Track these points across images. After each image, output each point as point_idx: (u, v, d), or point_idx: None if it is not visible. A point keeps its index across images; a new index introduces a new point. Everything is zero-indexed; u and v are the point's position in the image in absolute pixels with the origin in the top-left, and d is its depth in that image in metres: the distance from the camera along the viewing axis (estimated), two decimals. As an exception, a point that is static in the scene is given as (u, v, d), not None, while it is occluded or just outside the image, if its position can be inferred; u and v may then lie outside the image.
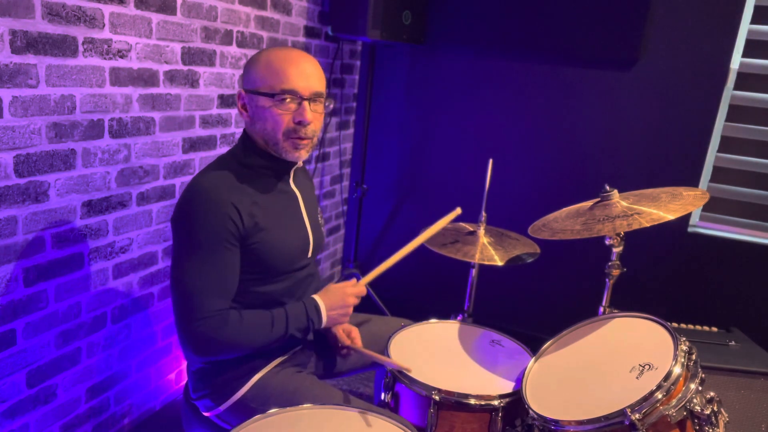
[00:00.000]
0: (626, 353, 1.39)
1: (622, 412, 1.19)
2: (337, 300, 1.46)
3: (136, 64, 1.81)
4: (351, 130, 3.27)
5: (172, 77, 1.95)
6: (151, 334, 2.11)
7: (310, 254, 1.52)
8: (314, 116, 1.38)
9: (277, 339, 1.38)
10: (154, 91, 1.89)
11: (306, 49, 2.67)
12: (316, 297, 1.46)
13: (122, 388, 2.02)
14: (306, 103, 1.36)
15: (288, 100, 1.35)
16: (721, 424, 1.24)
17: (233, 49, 2.21)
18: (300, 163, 1.52)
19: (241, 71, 2.27)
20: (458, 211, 1.68)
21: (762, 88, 2.52)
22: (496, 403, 1.44)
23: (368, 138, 3.07)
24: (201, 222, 1.30)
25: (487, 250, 1.88)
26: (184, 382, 2.32)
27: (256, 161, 1.42)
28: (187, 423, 1.55)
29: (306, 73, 1.36)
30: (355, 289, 1.50)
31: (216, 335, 1.31)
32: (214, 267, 1.31)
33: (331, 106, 1.48)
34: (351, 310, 1.49)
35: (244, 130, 1.46)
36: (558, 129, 2.82)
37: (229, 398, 1.43)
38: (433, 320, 1.82)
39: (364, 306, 1.67)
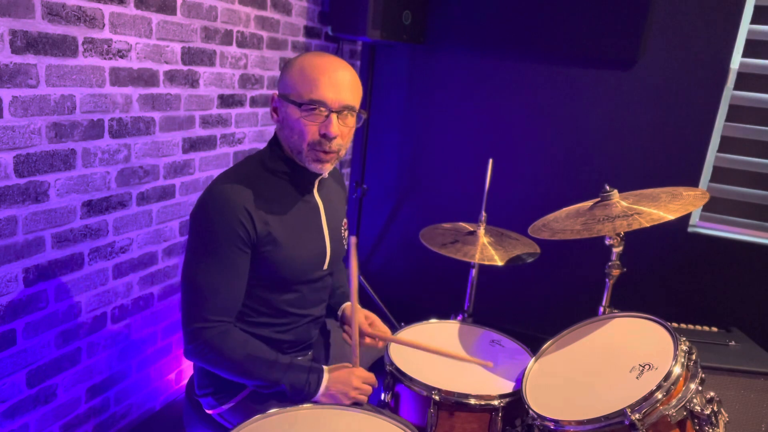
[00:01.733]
0: (626, 353, 1.39)
1: (622, 412, 1.19)
2: (341, 379, 1.38)
3: (136, 64, 1.81)
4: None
5: (172, 77, 1.95)
6: (151, 334, 2.11)
7: (326, 266, 1.47)
8: (342, 130, 1.32)
9: (267, 381, 1.33)
10: (154, 91, 1.89)
11: (306, 49, 2.67)
12: (324, 368, 1.38)
13: (122, 388, 2.02)
14: (333, 116, 1.29)
15: (316, 111, 1.29)
16: (721, 424, 1.24)
17: (233, 49, 2.21)
18: (325, 174, 1.44)
19: (241, 71, 2.27)
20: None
21: (762, 88, 2.51)
22: (496, 403, 1.44)
23: (368, 138, 3.07)
24: (215, 224, 1.29)
25: (487, 250, 1.88)
26: (184, 382, 2.32)
27: (280, 167, 1.38)
28: (188, 419, 1.56)
29: (337, 85, 1.29)
30: (366, 375, 1.41)
31: (215, 343, 1.30)
32: (225, 271, 1.30)
33: (363, 119, 1.40)
34: (351, 394, 1.36)
35: (275, 133, 1.42)
36: (558, 129, 2.82)
37: (233, 398, 1.43)
38: (433, 320, 1.82)
39: (365, 306, 1.67)
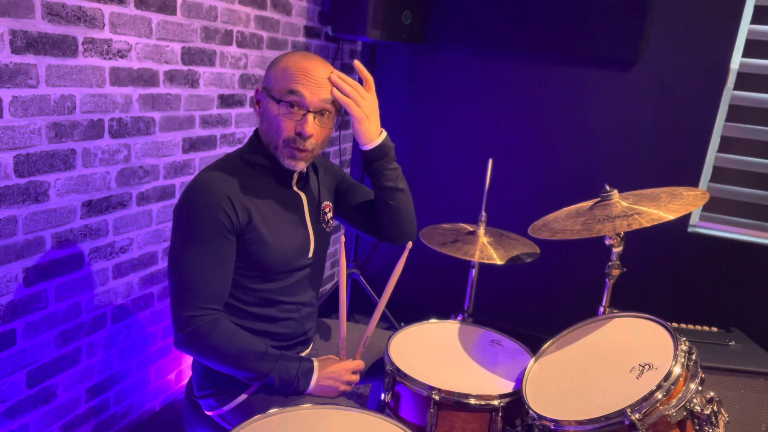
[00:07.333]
0: (626, 353, 1.39)
1: (622, 412, 1.19)
2: (332, 373, 1.44)
3: (136, 64, 1.81)
4: (351, 130, 3.27)
5: (172, 77, 1.95)
6: (151, 334, 2.11)
7: (311, 254, 1.51)
8: (317, 129, 1.35)
9: (257, 373, 1.36)
10: (154, 91, 1.89)
11: (306, 49, 2.67)
12: (314, 360, 1.44)
13: (122, 388, 2.02)
14: (310, 115, 1.33)
15: (294, 109, 1.33)
16: (721, 424, 1.24)
17: (233, 49, 2.21)
18: (302, 169, 1.46)
19: (241, 71, 2.27)
20: (410, 245, 1.59)
21: (762, 88, 2.52)
22: (496, 403, 1.44)
23: (368, 138, 3.07)
24: (197, 213, 1.31)
25: (487, 250, 1.88)
26: (184, 383, 2.32)
27: (259, 160, 1.42)
28: (188, 420, 1.56)
29: (317, 85, 1.33)
30: (354, 363, 1.48)
31: (206, 331, 1.32)
32: (212, 258, 1.32)
33: (341, 120, 1.45)
34: (341, 388, 1.44)
35: (256, 129, 1.46)
36: (558, 129, 2.82)
37: (233, 400, 1.43)
38: (433, 320, 1.82)
39: (364, 308, 1.67)
